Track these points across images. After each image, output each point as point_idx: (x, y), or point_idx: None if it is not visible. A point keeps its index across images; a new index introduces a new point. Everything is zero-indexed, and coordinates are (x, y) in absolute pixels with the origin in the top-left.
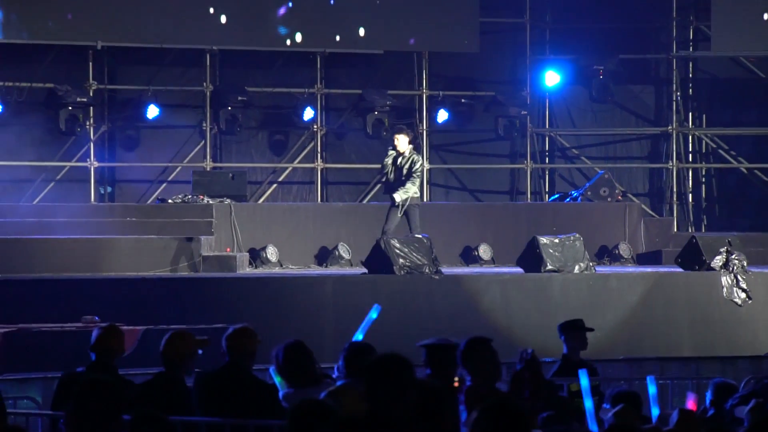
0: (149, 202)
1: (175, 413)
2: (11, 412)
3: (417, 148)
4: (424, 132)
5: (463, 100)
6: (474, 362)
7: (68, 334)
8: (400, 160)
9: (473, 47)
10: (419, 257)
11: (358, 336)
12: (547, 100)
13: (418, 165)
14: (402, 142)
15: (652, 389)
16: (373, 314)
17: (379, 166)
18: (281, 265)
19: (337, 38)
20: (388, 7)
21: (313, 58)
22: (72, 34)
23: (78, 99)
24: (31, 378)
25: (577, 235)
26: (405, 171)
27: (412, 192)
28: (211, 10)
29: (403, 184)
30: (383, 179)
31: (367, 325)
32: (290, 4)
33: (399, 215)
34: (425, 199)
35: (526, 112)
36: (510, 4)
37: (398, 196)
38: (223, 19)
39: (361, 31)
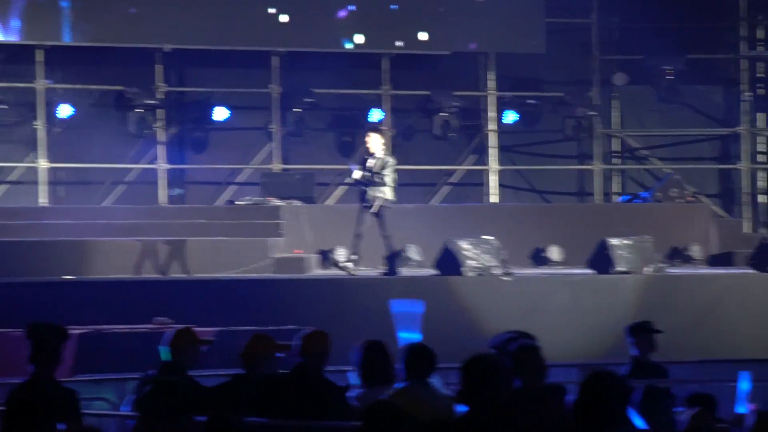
0: (218, 203)
1: (252, 414)
2: (85, 413)
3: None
4: (491, 133)
5: (530, 101)
6: (523, 366)
7: (141, 336)
8: (370, 161)
9: (540, 47)
10: (489, 259)
11: (416, 336)
12: (615, 101)
13: (390, 162)
14: (375, 141)
15: (745, 386)
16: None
17: (447, 167)
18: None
19: (399, 43)
20: (454, 9)
21: (380, 59)
22: (140, 36)
23: (147, 101)
24: (104, 379)
25: (648, 237)
26: (378, 172)
27: (388, 194)
28: (271, 11)
29: (376, 186)
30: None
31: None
32: (352, 8)
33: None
34: (493, 200)
35: (593, 113)
36: (577, 4)
37: (378, 201)
38: (284, 18)
39: (423, 36)
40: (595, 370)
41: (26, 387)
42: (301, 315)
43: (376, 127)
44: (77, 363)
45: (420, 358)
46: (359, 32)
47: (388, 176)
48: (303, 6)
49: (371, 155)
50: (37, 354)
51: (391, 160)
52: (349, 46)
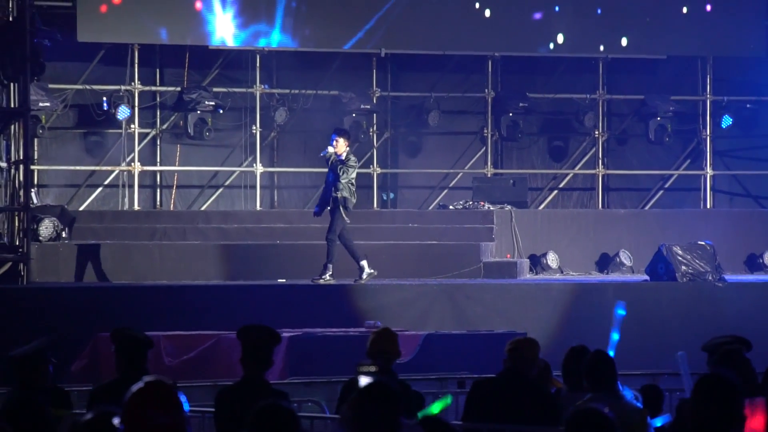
0: (431, 208)
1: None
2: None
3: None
4: (708, 137)
5: (747, 105)
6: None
7: (352, 339)
8: (332, 161)
9: (759, 51)
10: (702, 264)
11: (615, 336)
12: None
13: (349, 163)
14: (340, 144)
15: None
16: (621, 311)
17: (661, 172)
18: (562, 272)
19: (601, 48)
20: (670, 12)
21: (595, 63)
22: (357, 42)
23: (362, 106)
24: (315, 381)
25: None
26: (336, 172)
27: (346, 192)
28: (477, 5)
29: (336, 188)
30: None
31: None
32: (557, 8)
33: (335, 218)
34: (708, 205)
35: None
36: None
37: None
38: (487, 12)
39: (624, 41)
40: None
41: (237, 388)
42: (512, 319)
43: (342, 130)
44: (287, 365)
45: (601, 367)
46: (570, 35)
47: (347, 176)
48: (513, 10)
49: (338, 157)
50: (248, 356)
51: (351, 159)
52: (551, 46)
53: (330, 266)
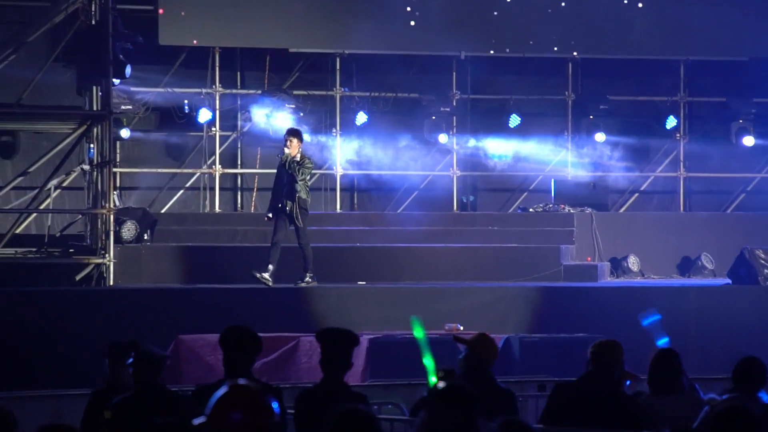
0: (510, 210)
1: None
2: None
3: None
4: None
5: None
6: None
7: (432, 341)
8: (288, 163)
9: None
10: None
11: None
12: None
13: (306, 164)
14: (294, 145)
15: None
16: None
17: (743, 175)
18: (643, 275)
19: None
20: (751, 14)
21: (676, 65)
22: (436, 44)
23: (441, 108)
24: (395, 384)
25: None
26: (294, 174)
27: (303, 193)
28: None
29: (293, 189)
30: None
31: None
32: (639, 5)
33: (299, 223)
34: None
35: None
36: None
37: (290, 204)
38: (563, 3)
39: (698, 42)
40: None
41: (316, 390)
42: (592, 323)
43: (295, 130)
44: (368, 368)
45: (750, 370)
46: (647, 34)
47: (305, 179)
48: (598, 12)
49: (292, 159)
50: (327, 358)
51: (307, 160)
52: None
53: (310, 269)
